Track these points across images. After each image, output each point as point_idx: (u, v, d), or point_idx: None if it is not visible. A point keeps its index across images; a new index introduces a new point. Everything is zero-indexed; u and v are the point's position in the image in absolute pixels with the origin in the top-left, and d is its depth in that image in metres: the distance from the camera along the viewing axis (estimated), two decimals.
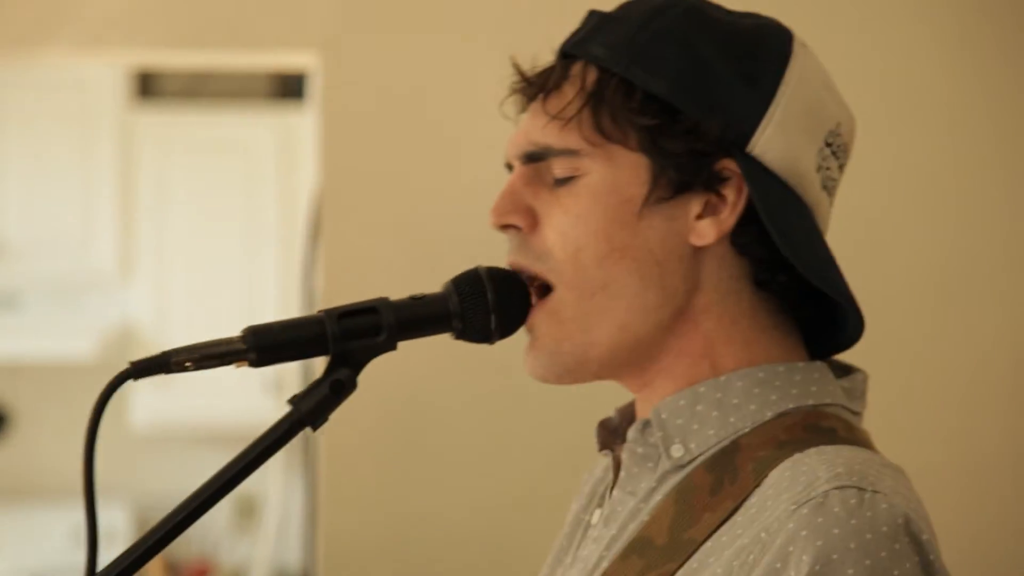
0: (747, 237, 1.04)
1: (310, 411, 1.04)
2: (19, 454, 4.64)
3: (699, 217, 1.04)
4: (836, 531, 0.95)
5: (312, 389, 1.06)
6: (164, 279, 4.57)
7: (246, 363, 1.05)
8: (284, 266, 4.20)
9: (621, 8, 1.10)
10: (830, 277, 1.04)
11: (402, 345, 1.07)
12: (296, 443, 1.19)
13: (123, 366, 1.02)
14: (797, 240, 1.03)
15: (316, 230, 2.85)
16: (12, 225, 4.49)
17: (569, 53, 1.08)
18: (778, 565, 0.95)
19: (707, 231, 1.03)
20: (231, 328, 1.10)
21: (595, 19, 1.10)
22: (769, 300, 1.07)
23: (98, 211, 4.58)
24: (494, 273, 1.06)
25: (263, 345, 1.04)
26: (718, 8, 1.10)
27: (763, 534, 0.97)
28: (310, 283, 2.99)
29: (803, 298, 1.07)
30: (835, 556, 0.94)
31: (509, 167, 1.11)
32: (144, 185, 4.55)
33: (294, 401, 1.04)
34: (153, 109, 4.63)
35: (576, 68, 1.06)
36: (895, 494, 0.98)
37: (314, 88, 2.83)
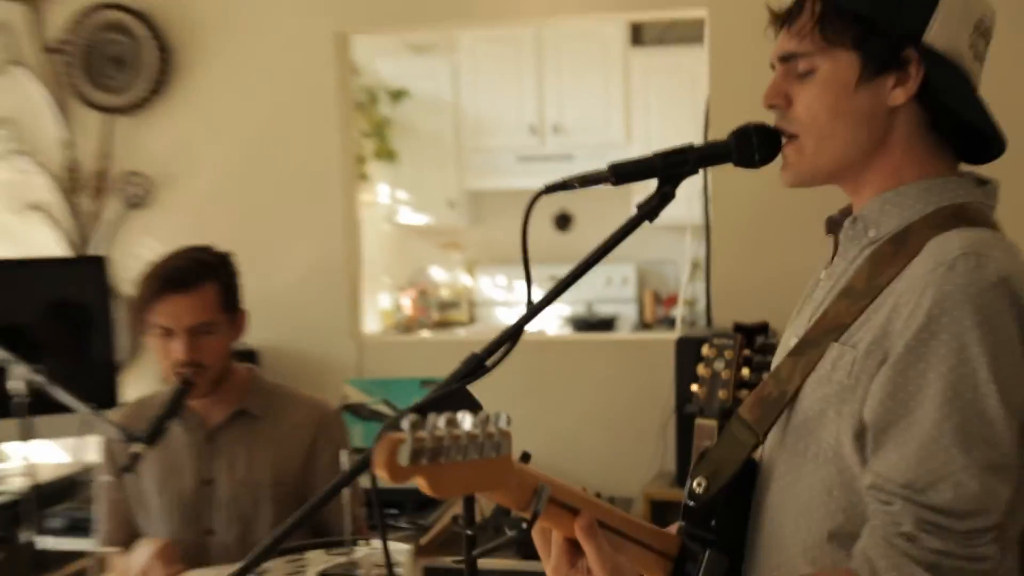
0: (926, 98, 1.37)
1: (650, 209, 1.40)
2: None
3: (893, 87, 1.37)
4: (955, 283, 1.27)
5: (650, 198, 1.41)
6: (650, 145, 6.55)
7: (611, 183, 1.40)
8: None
9: None
10: (979, 117, 1.37)
11: None
12: None
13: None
14: (956, 94, 1.37)
15: (707, 125, 3.88)
16: (567, 114, 6.38)
17: None
18: (907, 308, 1.29)
19: (899, 96, 1.37)
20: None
21: None
22: (937, 137, 1.41)
23: (613, 107, 6.34)
24: (757, 127, 1.42)
25: (620, 173, 1.40)
26: None
27: (916, 283, 1.30)
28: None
29: (961, 134, 1.40)
30: (948, 301, 1.26)
31: (772, 67, 1.45)
32: (637, 92, 6.29)
33: (639, 206, 1.39)
34: (639, 48, 6.34)
35: (808, 2, 1.40)
36: (1004, 262, 1.28)
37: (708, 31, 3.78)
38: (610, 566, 1.33)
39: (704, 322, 4.02)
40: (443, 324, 6.73)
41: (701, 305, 5.78)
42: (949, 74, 1.36)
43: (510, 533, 1.27)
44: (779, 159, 1.45)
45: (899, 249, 1.36)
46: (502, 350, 1.36)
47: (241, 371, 2.68)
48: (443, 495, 1.12)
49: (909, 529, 1.25)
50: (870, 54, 1.36)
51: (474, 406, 1.32)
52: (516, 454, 1.25)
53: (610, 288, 6.64)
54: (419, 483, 1.11)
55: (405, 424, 1.09)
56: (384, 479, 1.08)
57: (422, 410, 1.32)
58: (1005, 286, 1.26)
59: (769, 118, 1.44)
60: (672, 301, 6.60)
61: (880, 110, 1.38)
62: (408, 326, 6.57)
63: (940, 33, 1.35)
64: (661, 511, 3.57)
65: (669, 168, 1.40)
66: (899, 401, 1.27)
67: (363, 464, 1.26)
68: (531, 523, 1.24)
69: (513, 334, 1.36)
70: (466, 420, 1.12)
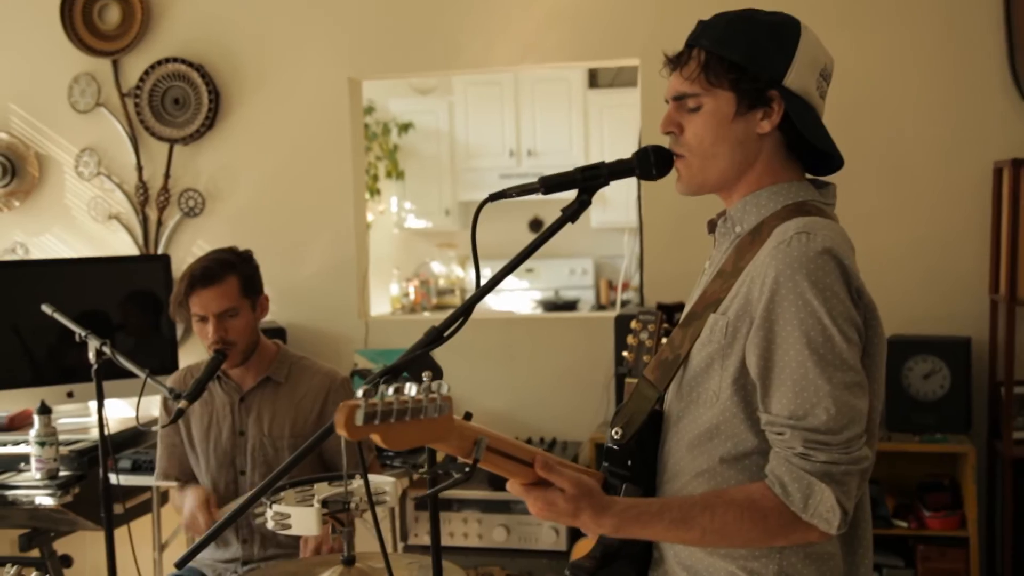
0: (784, 126, 1.39)
1: (571, 213, 1.39)
2: None
3: (761, 119, 1.39)
4: (791, 255, 1.29)
5: (572, 204, 1.39)
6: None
7: (540, 193, 1.40)
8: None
9: (713, 19, 1.41)
10: (823, 139, 1.40)
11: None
12: None
13: None
14: (808, 124, 1.38)
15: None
16: (538, 140, 6.29)
17: (691, 44, 1.41)
18: (759, 280, 1.31)
19: (765, 126, 1.39)
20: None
21: (700, 26, 1.42)
22: (791, 155, 1.43)
23: (575, 135, 6.28)
24: (654, 148, 1.43)
25: (548, 184, 1.40)
26: (761, 11, 1.40)
27: (764, 259, 1.33)
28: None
29: (808, 153, 1.43)
30: (787, 270, 1.28)
31: (667, 102, 1.44)
32: (593, 123, 6.28)
33: (564, 210, 1.39)
34: (595, 89, 6.30)
35: (695, 51, 1.40)
36: (828, 238, 1.30)
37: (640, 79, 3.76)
38: (573, 479, 1.34)
39: (638, 302, 4.05)
40: (440, 307, 6.73)
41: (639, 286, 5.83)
42: (802, 109, 1.39)
43: (456, 476, 1.29)
44: (674, 173, 1.47)
45: (755, 238, 1.39)
46: (456, 324, 1.39)
47: (270, 346, 2.72)
48: (395, 448, 1.13)
49: (800, 450, 1.28)
50: (743, 94, 1.38)
51: (435, 368, 1.34)
52: (461, 413, 1.26)
53: (573, 277, 6.67)
54: (374, 439, 1.12)
55: (360, 392, 1.11)
56: (345, 436, 1.08)
57: (392, 371, 1.36)
58: (830, 254, 1.29)
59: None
60: (623, 287, 6.62)
61: (751, 136, 1.40)
62: (413, 308, 6.59)
63: (795, 78, 1.38)
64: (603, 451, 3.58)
65: (586, 180, 1.41)
66: (769, 355, 1.31)
67: (331, 427, 1.27)
68: (472, 466, 1.25)
69: (465, 311, 1.39)
70: (412, 388, 1.14)
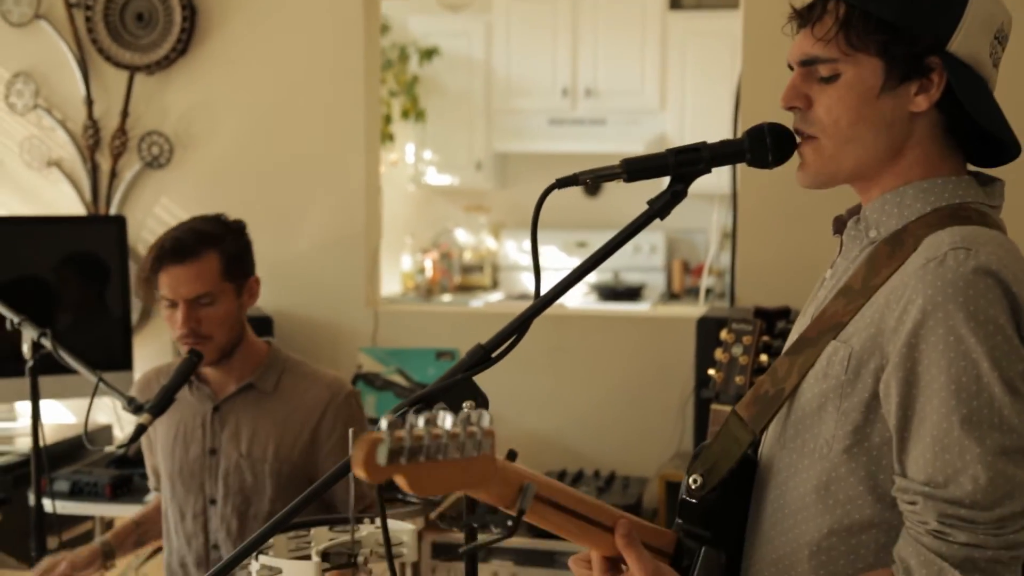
0: (944, 104, 1.40)
1: (660, 207, 1.43)
2: None
3: (916, 94, 1.39)
4: (945, 278, 1.30)
5: (662, 195, 1.43)
6: (685, 112, 6.30)
7: (622, 180, 1.43)
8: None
9: None
10: (996, 122, 1.40)
11: None
12: None
13: None
14: (976, 102, 1.39)
15: (739, 97, 3.81)
16: (600, 77, 6.42)
17: None
18: (900, 305, 1.33)
19: (921, 103, 1.39)
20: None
21: None
22: (950, 141, 1.43)
23: (648, 71, 6.39)
24: (772, 127, 1.44)
25: (632, 169, 1.43)
26: None
27: (908, 279, 1.34)
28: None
29: (975, 138, 1.43)
30: (938, 296, 1.29)
31: (790, 67, 1.46)
32: (673, 57, 6.35)
33: (651, 202, 1.43)
34: (678, 12, 6.41)
35: (831, 5, 1.40)
36: (993, 255, 1.31)
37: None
38: (652, 568, 1.38)
39: (728, 298, 4.03)
40: (465, 288, 6.78)
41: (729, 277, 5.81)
42: (971, 81, 1.39)
43: (496, 533, 1.30)
44: (795, 159, 1.47)
45: (895, 250, 1.40)
46: (508, 343, 1.40)
47: (259, 345, 2.72)
48: (424, 494, 1.14)
49: (935, 526, 1.27)
50: (895, 61, 1.38)
51: (479, 397, 1.36)
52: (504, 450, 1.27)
53: (638, 256, 6.66)
54: (399, 481, 1.13)
55: (383, 423, 1.10)
56: (364, 479, 1.09)
57: (425, 400, 1.37)
58: (994, 277, 1.29)
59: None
60: (701, 271, 6.61)
61: (901, 116, 1.41)
62: (429, 289, 6.62)
63: (964, 42, 1.38)
64: (677, 492, 3.58)
65: (681, 167, 1.43)
66: (908, 403, 1.31)
67: (347, 466, 1.29)
68: (517, 521, 1.27)
69: (520, 327, 1.40)
70: (447, 419, 1.14)
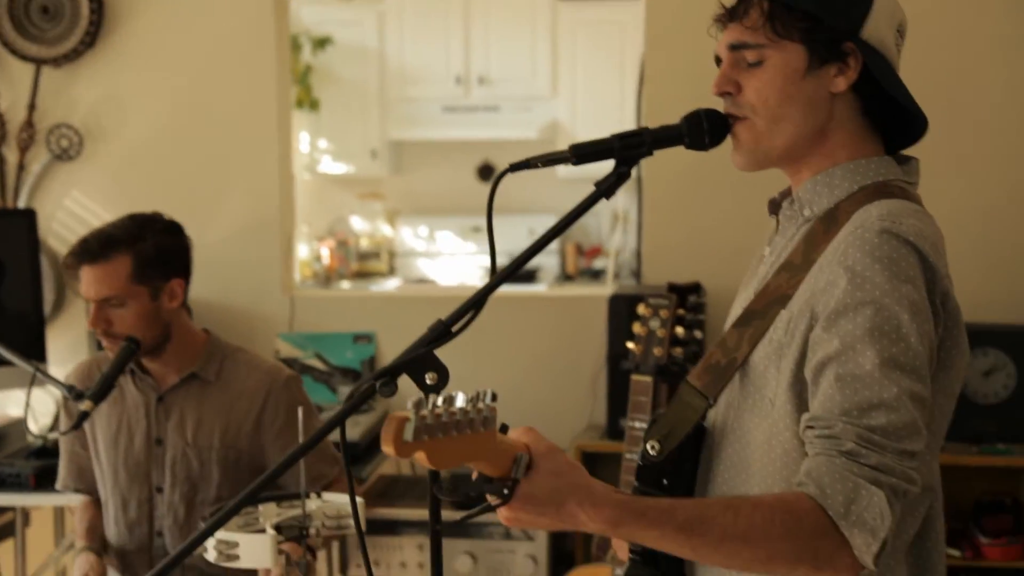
0: (860, 86, 1.53)
1: (607, 187, 1.50)
2: None
3: (835, 76, 1.52)
4: (871, 243, 1.42)
5: (608, 177, 1.51)
6: (576, 98, 6.47)
7: (571, 163, 1.51)
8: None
9: None
10: (906, 96, 1.53)
11: None
12: None
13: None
14: (889, 79, 1.53)
15: (641, 82, 4.01)
16: (493, 65, 6.54)
17: None
18: (834, 264, 1.44)
19: (840, 83, 1.53)
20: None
21: None
22: (867, 122, 1.57)
23: (540, 58, 6.51)
24: (708, 112, 1.55)
25: (580, 154, 1.51)
26: None
27: (838, 246, 1.46)
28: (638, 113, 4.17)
29: (889, 118, 1.56)
30: (867, 259, 1.41)
31: (717, 61, 1.59)
32: (564, 45, 6.48)
33: (598, 184, 1.51)
34: (568, 0, 6.48)
35: (756, 0, 1.53)
36: (914, 227, 1.44)
37: None
38: (555, 450, 1.40)
39: (632, 277, 4.17)
40: (362, 274, 6.82)
41: (623, 257, 5.97)
42: (882, 64, 1.53)
43: (494, 501, 1.35)
44: (728, 143, 1.58)
45: (829, 226, 1.51)
46: (467, 318, 1.48)
47: (197, 335, 2.77)
48: (441, 467, 1.23)
49: (851, 446, 1.34)
50: (816, 46, 1.51)
51: (440, 369, 1.43)
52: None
53: (532, 239, 6.70)
54: (419, 457, 1.22)
55: (409, 404, 1.22)
56: (392, 454, 1.20)
57: (391, 373, 1.45)
58: (913, 246, 1.41)
59: (708, 101, 1.57)
60: (594, 252, 6.76)
61: (823, 96, 1.53)
62: (327, 276, 6.66)
63: (874, 29, 1.52)
64: (591, 461, 3.69)
65: (625, 150, 1.52)
66: (831, 347, 1.40)
67: (331, 425, 1.36)
68: (512, 488, 1.33)
69: (477, 302, 1.49)
70: (459, 398, 1.25)
